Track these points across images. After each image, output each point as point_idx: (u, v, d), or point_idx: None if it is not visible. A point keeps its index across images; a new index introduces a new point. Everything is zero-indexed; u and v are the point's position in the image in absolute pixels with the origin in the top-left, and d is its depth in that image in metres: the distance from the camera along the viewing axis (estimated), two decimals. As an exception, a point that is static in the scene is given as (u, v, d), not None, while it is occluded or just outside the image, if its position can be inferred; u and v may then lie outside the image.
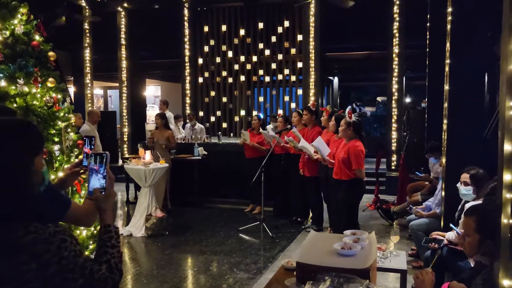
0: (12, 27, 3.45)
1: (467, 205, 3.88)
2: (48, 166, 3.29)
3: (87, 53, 11.51)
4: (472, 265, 3.01)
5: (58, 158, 3.36)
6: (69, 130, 3.68)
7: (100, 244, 1.46)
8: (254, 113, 10.55)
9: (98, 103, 16.86)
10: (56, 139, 3.51)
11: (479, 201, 3.59)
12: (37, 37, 3.58)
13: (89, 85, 11.71)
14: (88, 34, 11.46)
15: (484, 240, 2.06)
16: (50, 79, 3.56)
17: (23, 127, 1.39)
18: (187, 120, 10.07)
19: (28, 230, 1.22)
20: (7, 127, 1.34)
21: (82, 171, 2.23)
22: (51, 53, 3.68)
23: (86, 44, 11.47)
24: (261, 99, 11.02)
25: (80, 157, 2.28)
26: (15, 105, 3.36)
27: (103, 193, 1.54)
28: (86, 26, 11.39)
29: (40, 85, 3.51)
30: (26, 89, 3.41)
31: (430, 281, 2.19)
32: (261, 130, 7.50)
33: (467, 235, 2.21)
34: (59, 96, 3.66)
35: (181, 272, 5.18)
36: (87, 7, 11.13)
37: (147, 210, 6.59)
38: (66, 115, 3.69)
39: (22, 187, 1.29)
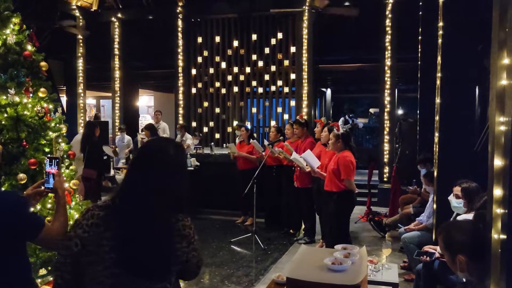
0: (4, 37, 3.44)
1: (459, 218, 3.89)
2: (38, 177, 3.26)
3: (80, 63, 11.50)
4: (464, 280, 3.00)
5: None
6: (60, 140, 3.66)
7: None
8: (247, 124, 10.56)
9: (91, 113, 16.78)
10: (47, 149, 3.48)
11: (470, 214, 3.59)
12: (29, 47, 3.57)
13: (82, 94, 11.67)
14: (81, 44, 11.46)
15: (454, 256, 2.06)
16: (42, 89, 3.55)
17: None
18: (177, 132, 10.05)
19: (177, 219, 1.68)
20: (180, 146, 1.83)
21: (45, 192, 2.18)
22: (43, 63, 3.67)
23: (80, 54, 11.46)
24: (254, 110, 11.03)
25: (42, 180, 2.22)
26: (5, 115, 3.34)
27: None
28: (79, 36, 11.38)
29: (31, 95, 3.49)
30: (17, 99, 3.39)
31: None
32: (251, 140, 7.46)
33: (444, 253, 2.22)
34: (51, 106, 3.64)
35: (172, 284, 5.12)
36: (80, 17, 11.13)
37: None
38: (57, 125, 3.67)
39: (186, 188, 1.75)
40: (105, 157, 7.53)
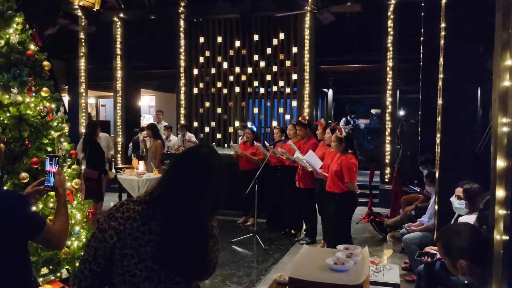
0: (7, 36, 3.45)
1: (460, 219, 3.89)
2: (40, 176, 3.26)
3: (82, 63, 11.50)
4: (466, 282, 3.00)
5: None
6: (62, 139, 3.67)
7: None
8: (249, 124, 10.56)
9: (92, 112, 16.81)
10: (49, 149, 3.49)
11: (472, 216, 3.59)
12: (32, 47, 3.57)
13: (84, 94, 11.68)
14: (83, 44, 11.46)
15: (454, 261, 2.06)
16: (44, 89, 3.55)
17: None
18: (178, 132, 10.05)
19: (207, 219, 1.79)
20: (219, 155, 1.89)
21: (45, 190, 2.18)
22: (45, 63, 3.67)
23: (82, 54, 11.46)
24: (255, 110, 11.03)
25: (42, 178, 2.22)
26: (8, 114, 3.34)
27: None
28: (81, 35, 11.39)
29: (34, 94, 3.49)
30: (19, 98, 3.39)
31: None
32: (255, 143, 7.47)
33: (444, 259, 2.22)
34: (53, 105, 3.64)
35: (173, 284, 5.12)
36: (83, 17, 11.15)
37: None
38: (60, 124, 3.68)
39: (223, 193, 1.85)
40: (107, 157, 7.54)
